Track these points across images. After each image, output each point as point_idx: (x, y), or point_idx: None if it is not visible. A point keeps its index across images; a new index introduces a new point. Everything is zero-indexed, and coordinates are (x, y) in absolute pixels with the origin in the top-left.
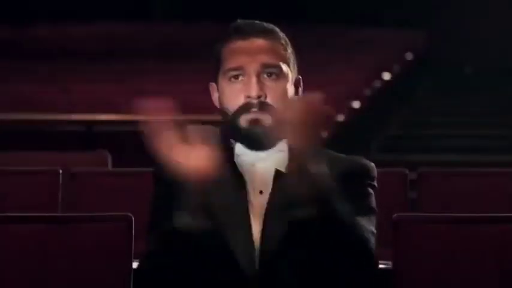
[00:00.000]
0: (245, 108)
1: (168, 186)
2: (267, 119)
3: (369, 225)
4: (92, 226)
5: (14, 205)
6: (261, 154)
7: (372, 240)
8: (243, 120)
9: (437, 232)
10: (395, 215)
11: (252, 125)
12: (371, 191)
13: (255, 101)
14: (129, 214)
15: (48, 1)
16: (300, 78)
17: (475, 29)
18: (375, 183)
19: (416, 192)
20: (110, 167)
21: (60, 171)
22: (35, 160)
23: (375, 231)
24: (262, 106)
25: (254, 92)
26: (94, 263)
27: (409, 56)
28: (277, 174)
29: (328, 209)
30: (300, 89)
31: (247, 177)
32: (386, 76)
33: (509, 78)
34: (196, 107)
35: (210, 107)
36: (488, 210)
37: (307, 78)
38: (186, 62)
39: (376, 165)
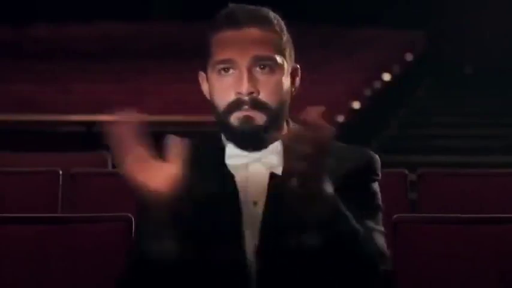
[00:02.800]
0: (236, 105)
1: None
2: (259, 117)
3: (376, 226)
4: (92, 227)
5: (13, 206)
6: (254, 155)
7: (381, 241)
8: (234, 119)
9: (437, 233)
10: (395, 216)
11: (244, 123)
12: (375, 186)
13: (246, 98)
14: (129, 215)
15: (48, 1)
16: (297, 67)
17: (475, 29)
18: (379, 174)
19: (416, 193)
20: (109, 168)
21: (60, 172)
22: (35, 161)
23: (383, 230)
24: (255, 103)
25: (245, 89)
26: (94, 263)
27: (409, 56)
28: (272, 178)
29: (334, 232)
30: (297, 79)
31: (238, 182)
32: (387, 76)
33: (509, 78)
34: (196, 107)
35: (209, 107)
36: (489, 211)
37: (308, 78)
38: (186, 62)
39: None
